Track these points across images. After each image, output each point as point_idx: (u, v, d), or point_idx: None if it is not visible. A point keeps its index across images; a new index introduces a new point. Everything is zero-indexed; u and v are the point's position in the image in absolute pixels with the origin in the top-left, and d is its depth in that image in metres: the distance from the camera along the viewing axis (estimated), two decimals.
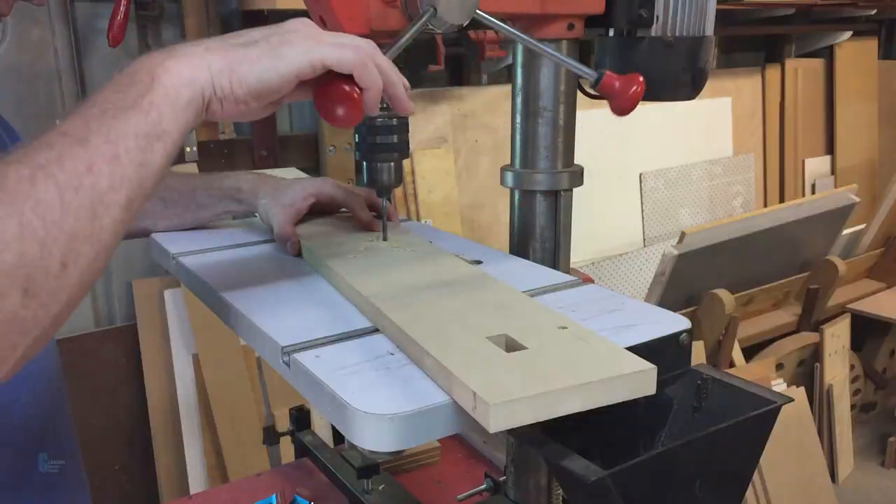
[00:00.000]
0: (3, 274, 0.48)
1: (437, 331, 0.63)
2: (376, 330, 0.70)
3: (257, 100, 0.61)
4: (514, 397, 0.52)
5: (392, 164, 0.86)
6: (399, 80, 0.65)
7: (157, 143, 0.56)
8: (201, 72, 0.58)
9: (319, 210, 1.03)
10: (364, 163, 0.86)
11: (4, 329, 0.49)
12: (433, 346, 0.60)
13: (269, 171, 1.13)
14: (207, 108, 0.60)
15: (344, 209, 1.05)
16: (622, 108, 0.74)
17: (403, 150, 0.86)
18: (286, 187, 1.01)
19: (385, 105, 0.86)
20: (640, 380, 0.57)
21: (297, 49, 0.60)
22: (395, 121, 0.85)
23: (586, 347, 0.60)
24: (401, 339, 0.65)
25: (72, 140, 0.52)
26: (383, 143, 0.85)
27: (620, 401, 0.56)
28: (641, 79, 0.73)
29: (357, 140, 0.86)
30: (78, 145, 0.52)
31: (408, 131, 0.87)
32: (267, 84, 0.60)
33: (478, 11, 0.74)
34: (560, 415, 0.54)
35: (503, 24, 0.76)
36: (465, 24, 0.75)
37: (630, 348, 0.61)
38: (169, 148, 0.57)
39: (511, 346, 0.62)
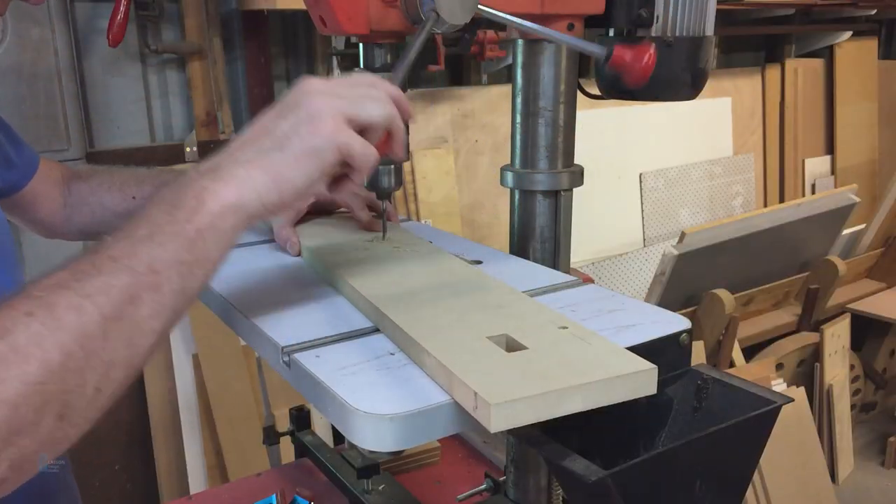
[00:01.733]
0: (42, 402, 0.48)
1: (437, 331, 0.63)
2: (376, 330, 0.70)
3: (305, 197, 0.62)
4: (515, 397, 0.52)
5: (392, 167, 0.86)
6: (401, 140, 0.68)
7: (198, 269, 0.57)
8: (247, 193, 0.59)
9: (319, 210, 1.03)
10: None
11: (36, 448, 0.49)
12: (434, 346, 0.60)
13: None
14: (257, 219, 0.61)
15: (344, 209, 1.05)
16: (635, 80, 0.72)
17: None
18: None
19: None
20: (641, 380, 0.57)
21: (329, 140, 0.60)
22: None
23: (587, 347, 0.60)
24: (401, 339, 0.65)
25: (119, 267, 0.53)
26: None
27: (621, 401, 0.56)
28: (652, 49, 0.71)
29: None
30: (125, 273, 0.53)
31: (408, 134, 0.87)
32: (310, 181, 0.61)
33: (481, 6, 0.74)
34: (561, 415, 0.54)
35: (508, 16, 0.75)
36: (465, 24, 0.75)
37: (630, 348, 0.61)
38: (209, 272, 0.58)
39: (511, 345, 0.62)
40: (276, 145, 0.60)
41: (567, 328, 0.64)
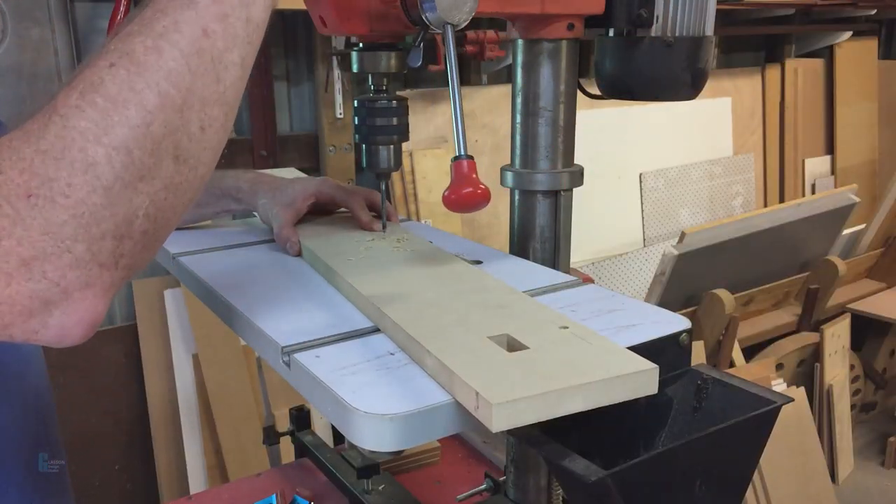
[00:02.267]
0: (155, 143, 0.51)
1: (438, 331, 0.63)
2: (376, 330, 0.70)
3: None
4: (517, 397, 0.52)
5: (391, 146, 0.86)
6: None
7: None
8: None
9: (319, 210, 1.03)
10: (363, 146, 0.86)
11: (164, 195, 0.52)
12: (434, 346, 0.60)
13: (268, 171, 1.13)
14: None
15: (344, 209, 1.05)
16: (446, 199, 0.69)
17: (403, 132, 0.86)
18: (286, 187, 1.01)
19: (385, 87, 0.85)
20: (642, 379, 0.57)
21: None
22: (394, 103, 0.85)
23: (588, 347, 0.60)
24: (402, 338, 0.65)
25: (181, 4, 0.53)
26: (383, 125, 0.85)
27: (622, 400, 0.56)
28: (482, 189, 0.68)
29: (356, 122, 0.86)
30: (188, 8, 0.53)
31: (407, 114, 0.87)
32: None
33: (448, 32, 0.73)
34: (562, 414, 0.54)
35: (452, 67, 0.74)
36: (464, 25, 0.75)
37: (630, 348, 0.61)
38: (268, 1, 0.58)
39: (512, 345, 0.62)
40: None
41: (568, 328, 0.64)
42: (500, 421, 0.51)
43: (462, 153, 0.70)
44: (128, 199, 0.50)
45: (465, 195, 0.68)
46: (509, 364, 0.58)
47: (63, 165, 0.49)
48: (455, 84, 0.73)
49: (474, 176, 0.69)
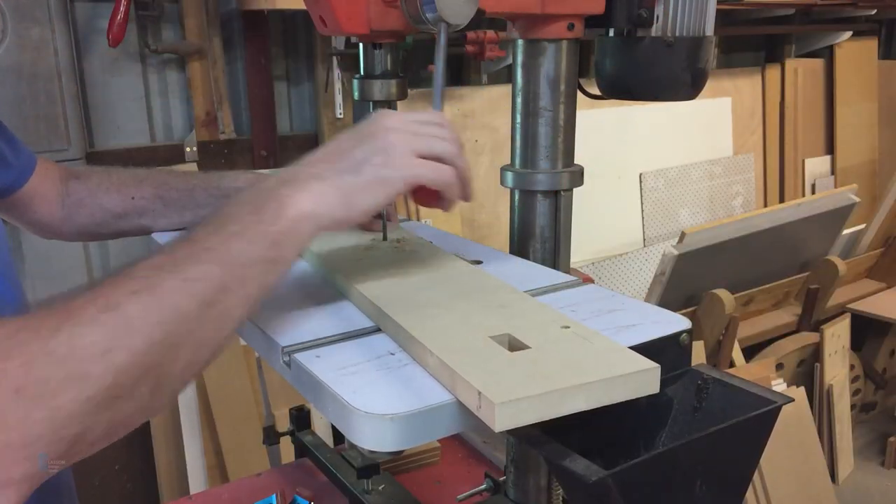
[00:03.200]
0: (142, 372, 0.54)
1: (439, 330, 0.63)
2: (377, 330, 0.70)
3: (369, 216, 0.69)
4: (519, 396, 0.52)
5: None
6: (468, 179, 0.73)
7: (275, 266, 0.63)
8: (322, 206, 0.65)
9: None
10: None
11: (131, 413, 0.55)
12: (436, 346, 0.60)
13: (267, 172, 1.13)
14: (325, 229, 0.67)
15: None
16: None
17: None
18: None
19: None
20: (644, 379, 0.57)
21: (399, 172, 0.67)
22: None
23: (589, 347, 0.60)
24: (403, 338, 0.65)
25: (214, 257, 0.59)
26: None
27: (624, 400, 0.56)
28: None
29: None
30: (218, 265, 0.59)
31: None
32: (377, 205, 0.68)
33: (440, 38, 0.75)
34: (564, 414, 0.54)
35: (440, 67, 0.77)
36: (464, 25, 0.75)
37: (631, 348, 0.61)
38: (283, 270, 0.64)
39: (514, 345, 0.62)
40: (351, 169, 0.67)
41: (569, 328, 0.64)
42: (502, 420, 0.51)
43: None
44: (98, 415, 0.52)
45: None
46: (511, 364, 0.58)
47: (60, 370, 0.50)
48: (439, 83, 0.77)
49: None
